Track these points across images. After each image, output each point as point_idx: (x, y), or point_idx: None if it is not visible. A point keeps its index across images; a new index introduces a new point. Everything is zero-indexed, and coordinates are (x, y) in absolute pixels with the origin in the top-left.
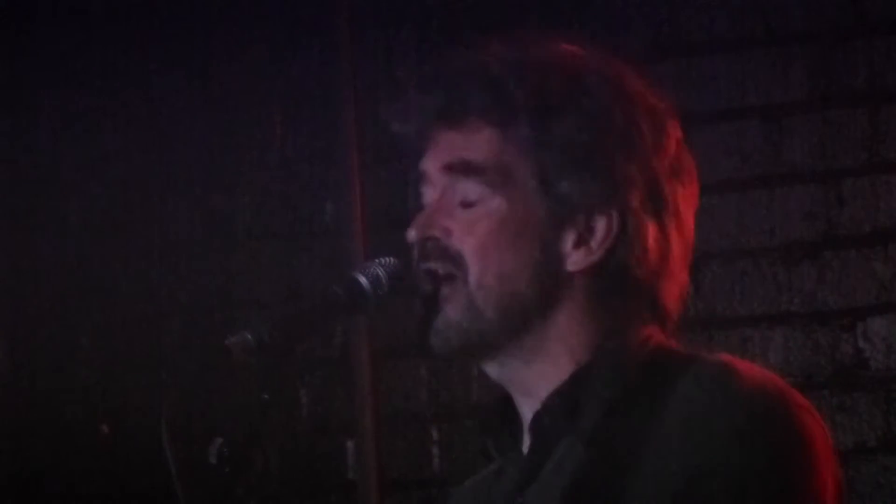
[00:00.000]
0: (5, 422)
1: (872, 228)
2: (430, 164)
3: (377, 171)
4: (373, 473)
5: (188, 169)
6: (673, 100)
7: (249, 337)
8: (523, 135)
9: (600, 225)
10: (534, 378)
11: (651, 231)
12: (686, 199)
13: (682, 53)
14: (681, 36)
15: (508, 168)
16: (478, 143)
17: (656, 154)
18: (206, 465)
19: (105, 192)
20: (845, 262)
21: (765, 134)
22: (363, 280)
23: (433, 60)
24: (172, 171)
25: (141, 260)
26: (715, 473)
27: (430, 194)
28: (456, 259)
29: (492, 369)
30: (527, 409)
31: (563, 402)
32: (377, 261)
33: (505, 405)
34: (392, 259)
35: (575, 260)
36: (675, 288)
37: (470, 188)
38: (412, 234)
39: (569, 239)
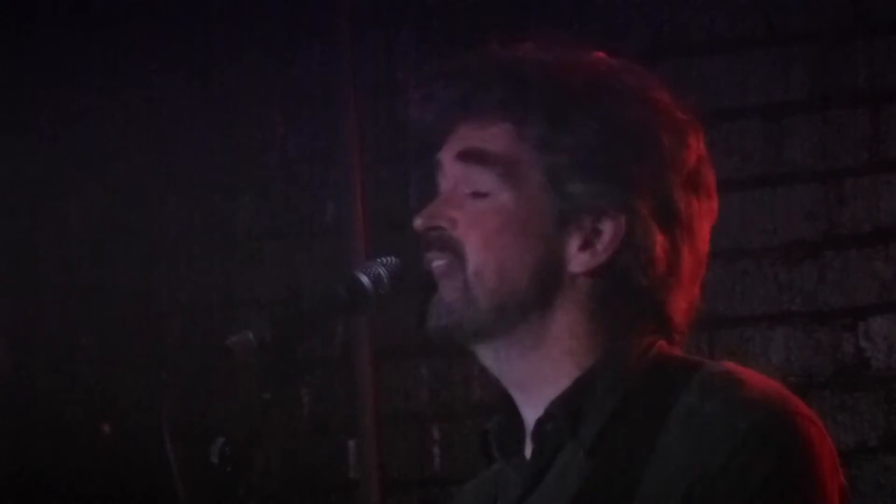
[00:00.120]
0: (5, 421)
1: (873, 228)
2: (446, 154)
3: (378, 171)
4: (374, 473)
5: (188, 169)
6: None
7: (250, 336)
8: (538, 133)
9: (607, 229)
10: (531, 376)
11: (659, 240)
12: (702, 215)
13: (683, 53)
14: (681, 35)
15: (520, 164)
16: (492, 135)
17: (673, 165)
18: (207, 464)
19: (105, 192)
20: (846, 261)
21: (765, 134)
22: (364, 279)
23: (454, 55)
24: (172, 171)
25: (141, 259)
26: (718, 481)
27: (443, 184)
28: (458, 250)
29: (486, 357)
30: (528, 412)
31: (566, 409)
32: (378, 260)
33: (507, 407)
34: (393, 258)
35: (579, 261)
36: (683, 301)
37: (482, 179)
38: (418, 223)
39: (574, 240)
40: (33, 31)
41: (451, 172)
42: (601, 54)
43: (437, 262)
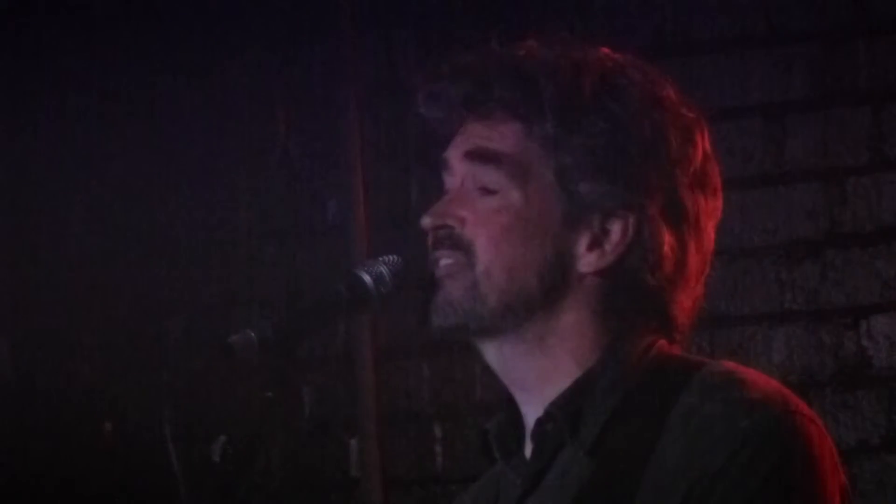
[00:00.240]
0: (6, 421)
1: (875, 227)
2: (452, 153)
3: (379, 170)
4: (376, 472)
5: (189, 168)
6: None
7: (252, 335)
8: (547, 132)
9: (616, 229)
10: (533, 375)
11: (667, 240)
12: (707, 213)
13: (684, 52)
14: (683, 34)
15: (529, 163)
16: (501, 134)
17: (681, 164)
18: (209, 463)
19: (106, 192)
20: (848, 260)
21: (767, 132)
22: (366, 278)
23: (463, 52)
24: (173, 171)
25: (142, 259)
26: (718, 481)
27: (449, 182)
28: (467, 249)
29: (489, 354)
30: (529, 412)
31: (566, 410)
32: (380, 259)
33: (508, 406)
34: (395, 257)
35: (587, 261)
36: (687, 300)
37: (490, 176)
38: (426, 221)
39: (583, 240)
40: (33, 31)
41: (459, 170)
42: (607, 51)
43: (446, 261)
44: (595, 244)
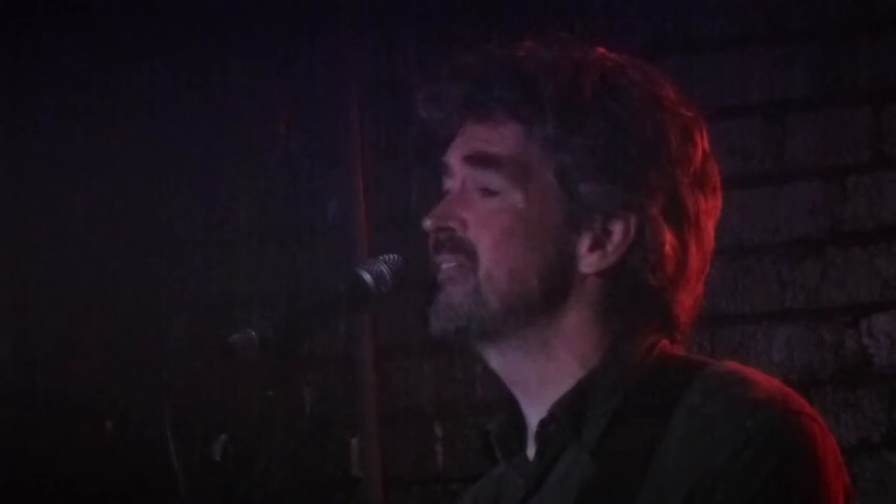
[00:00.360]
0: (6, 420)
1: (876, 225)
2: (452, 156)
3: (380, 169)
4: (376, 470)
5: (190, 167)
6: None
7: (253, 334)
8: (547, 133)
9: (617, 229)
10: (536, 377)
11: (669, 240)
12: (707, 212)
13: (685, 50)
14: (683, 33)
15: (529, 165)
16: (501, 136)
17: (681, 164)
18: (209, 462)
19: (106, 191)
20: (849, 259)
21: (768, 131)
22: (367, 276)
23: (463, 53)
24: (174, 170)
25: (143, 258)
26: (720, 481)
27: (449, 184)
28: (469, 252)
29: (491, 357)
30: (531, 412)
31: (569, 411)
32: (381, 258)
33: (510, 408)
34: (396, 256)
35: (589, 262)
36: (688, 299)
37: (490, 179)
38: (427, 223)
39: (584, 241)
40: (33, 30)
41: (459, 173)
42: (604, 51)
43: (448, 265)
44: (596, 245)
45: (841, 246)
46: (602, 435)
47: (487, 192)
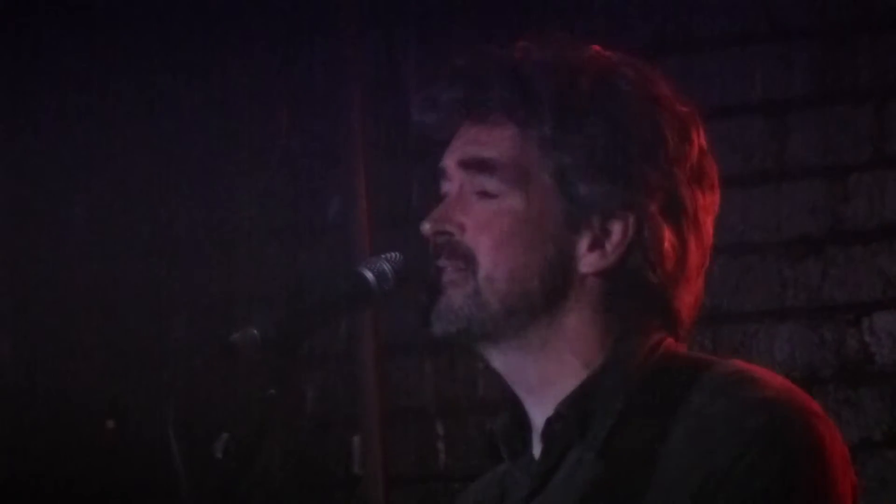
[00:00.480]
0: (7, 420)
1: (877, 224)
2: (449, 159)
3: (381, 168)
4: (378, 469)
5: (191, 167)
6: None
7: (254, 333)
8: (544, 134)
9: (616, 228)
10: (539, 377)
11: (668, 237)
12: (706, 208)
13: (686, 49)
14: (684, 32)
15: (527, 166)
16: (497, 139)
17: (678, 161)
18: (211, 460)
19: (106, 191)
20: (850, 257)
21: (769, 130)
22: (368, 275)
23: (459, 54)
24: (175, 170)
25: (144, 257)
26: (726, 481)
27: (447, 188)
28: (467, 257)
29: (493, 357)
30: (536, 412)
31: (575, 411)
32: (382, 256)
33: (513, 407)
34: (397, 255)
35: (589, 262)
36: (689, 296)
37: (488, 181)
38: (425, 228)
39: (584, 241)
40: (34, 31)
41: (457, 177)
42: (599, 49)
43: (447, 269)
44: (596, 245)
45: (842, 244)
46: (608, 435)
47: (485, 195)
